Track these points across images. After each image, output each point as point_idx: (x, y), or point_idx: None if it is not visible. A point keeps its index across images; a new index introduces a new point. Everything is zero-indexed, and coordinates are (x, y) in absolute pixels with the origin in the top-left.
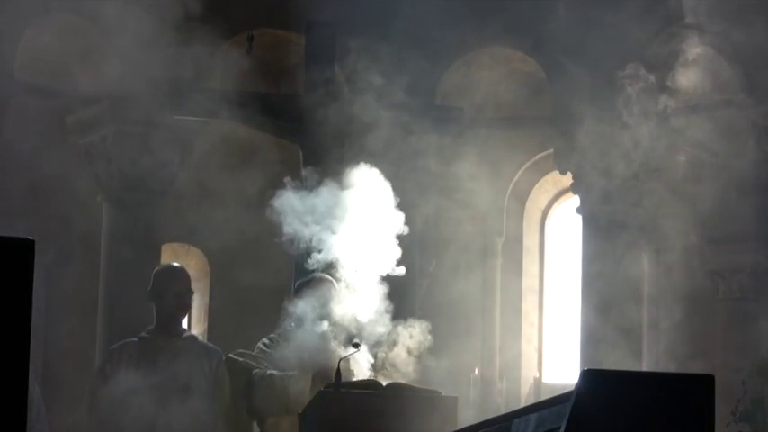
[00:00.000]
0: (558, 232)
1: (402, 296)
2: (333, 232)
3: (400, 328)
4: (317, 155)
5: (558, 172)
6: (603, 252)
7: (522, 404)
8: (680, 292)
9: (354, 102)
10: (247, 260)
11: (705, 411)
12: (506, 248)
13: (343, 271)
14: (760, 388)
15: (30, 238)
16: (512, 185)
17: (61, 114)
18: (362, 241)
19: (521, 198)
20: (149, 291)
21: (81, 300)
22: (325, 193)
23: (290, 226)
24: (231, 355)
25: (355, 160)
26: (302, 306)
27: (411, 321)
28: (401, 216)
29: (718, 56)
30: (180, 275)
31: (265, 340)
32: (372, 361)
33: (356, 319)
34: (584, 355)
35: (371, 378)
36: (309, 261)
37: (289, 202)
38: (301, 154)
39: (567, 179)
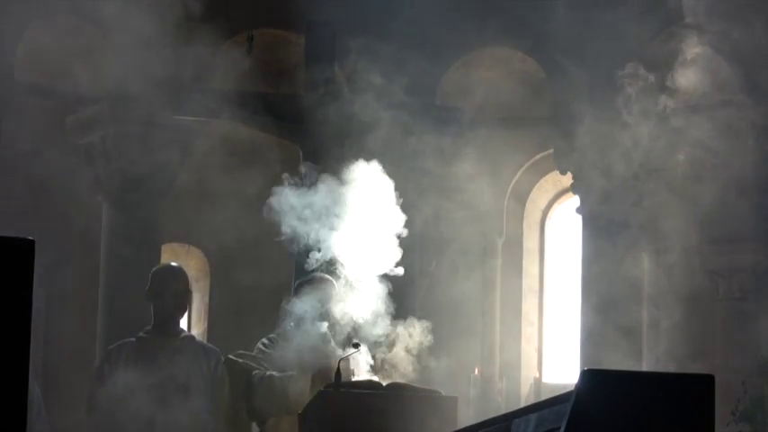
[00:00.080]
0: (558, 232)
1: (402, 296)
2: (332, 229)
3: (400, 328)
4: (316, 154)
5: (557, 172)
6: (603, 252)
7: (522, 404)
8: (680, 292)
9: (354, 102)
10: (247, 260)
11: (705, 411)
12: (506, 249)
13: (343, 270)
14: (760, 388)
15: (30, 238)
16: (512, 186)
17: (61, 114)
18: (362, 239)
19: (521, 198)
20: (147, 290)
21: (81, 300)
22: (325, 188)
23: (289, 223)
24: (230, 357)
25: (355, 160)
26: (302, 306)
27: (411, 321)
28: (401, 212)
29: (718, 56)
30: (178, 275)
31: (265, 340)
32: (372, 362)
33: (356, 319)
34: (584, 355)
35: (371, 378)
36: (309, 260)
37: (287, 199)
38: (301, 154)
39: (567, 179)
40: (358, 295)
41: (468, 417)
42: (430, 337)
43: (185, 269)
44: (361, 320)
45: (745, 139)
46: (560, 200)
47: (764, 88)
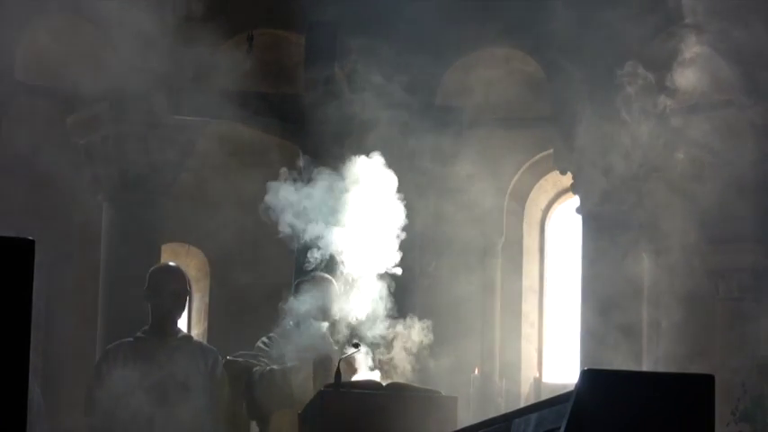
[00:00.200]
0: (558, 232)
1: (402, 296)
2: (332, 224)
3: (400, 327)
4: (317, 154)
5: (557, 172)
6: (603, 252)
7: (522, 404)
8: (680, 292)
9: (354, 101)
10: (247, 260)
11: (705, 411)
12: (506, 249)
13: (343, 268)
14: (760, 388)
15: (30, 238)
16: (511, 186)
17: (61, 114)
18: (362, 235)
19: (520, 198)
20: (145, 290)
21: (81, 300)
22: (323, 183)
23: (287, 219)
24: (230, 358)
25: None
26: (301, 305)
27: (411, 321)
28: (401, 208)
29: (717, 55)
30: (176, 275)
31: (265, 339)
32: (371, 364)
33: (356, 319)
34: (584, 355)
35: (371, 378)
36: (308, 260)
37: (284, 194)
38: (301, 154)
39: (567, 179)
40: (358, 295)
41: (468, 417)
42: (430, 337)
43: (184, 269)
44: (360, 320)
45: (745, 139)
46: (560, 200)
47: (764, 88)
